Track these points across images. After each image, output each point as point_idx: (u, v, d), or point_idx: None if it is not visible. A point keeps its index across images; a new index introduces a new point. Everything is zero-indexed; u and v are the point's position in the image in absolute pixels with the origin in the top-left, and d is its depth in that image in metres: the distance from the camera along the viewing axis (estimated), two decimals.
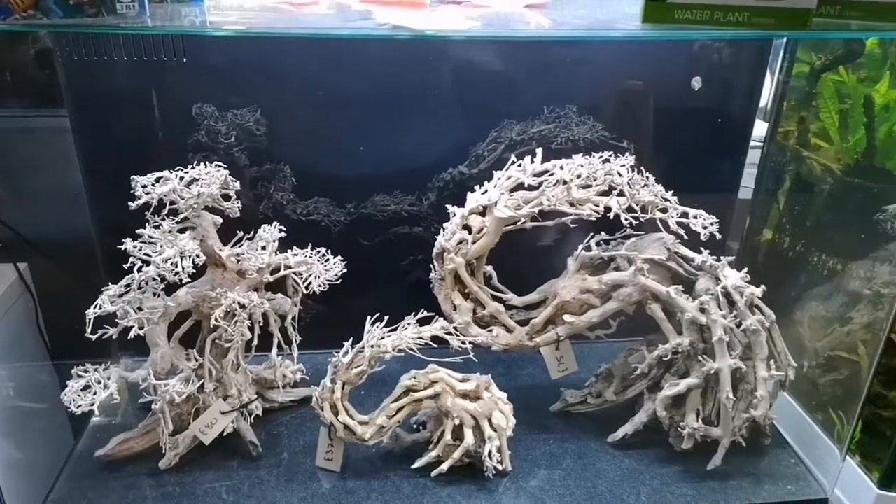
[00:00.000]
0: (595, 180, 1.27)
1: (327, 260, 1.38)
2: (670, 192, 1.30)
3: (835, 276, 1.38)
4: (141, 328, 1.18)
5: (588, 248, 1.36)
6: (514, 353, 1.36)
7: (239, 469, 1.31)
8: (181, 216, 1.21)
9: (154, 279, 1.19)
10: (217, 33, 1.37)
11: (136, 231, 1.20)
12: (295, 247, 1.37)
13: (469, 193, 1.33)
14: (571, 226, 1.30)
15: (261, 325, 1.31)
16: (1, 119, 1.43)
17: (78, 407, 1.17)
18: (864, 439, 1.26)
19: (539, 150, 1.31)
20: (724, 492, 1.28)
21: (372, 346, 1.22)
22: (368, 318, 1.24)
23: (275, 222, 1.38)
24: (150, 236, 1.20)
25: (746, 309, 1.25)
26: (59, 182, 1.46)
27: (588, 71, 1.49)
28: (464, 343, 1.25)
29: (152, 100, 1.41)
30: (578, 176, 1.26)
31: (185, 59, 1.37)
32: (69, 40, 1.33)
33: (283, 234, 1.36)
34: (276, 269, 1.34)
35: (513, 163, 1.31)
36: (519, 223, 1.28)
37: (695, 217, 1.28)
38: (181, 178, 1.21)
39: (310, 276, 1.35)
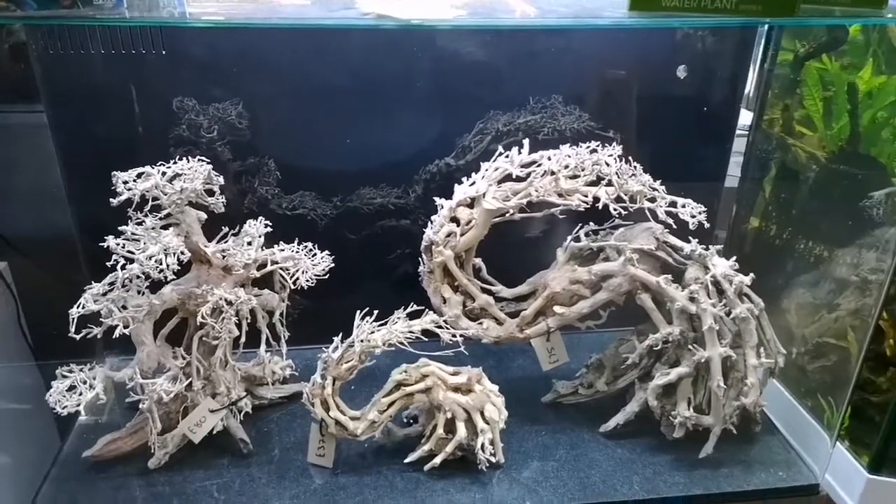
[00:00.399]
0: (583, 170, 1.27)
1: (314, 255, 1.37)
2: (658, 182, 1.30)
3: (822, 262, 1.38)
4: (126, 327, 1.16)
5: (577, 239, 1.36)
6: (505, 346, 1.36)
7: (230, 467, 1.30)
8: (164, 212, 1.19)
9: (138, 277, 1.18)
10: (196, 24, 1.35)
11: (119, 228, 1.18)
12: (281, 242, 1.36)
13: (456, 185, 1.32)
14: (560, 217, 1.30)
15: (248, 321, 1.29)
16: None
17: (63, 408, 1.15)
18: (854, 425, 1.27)
19: (526, 141, 1.31)
20: (716, 479, 1.29)
21: (362, 341, 1.21)
22: (357, 312, 1.23)
23: (260, 217, 1.36)
24: (133, 233, 1.18)
25: (736, 297, 1.26)
26: (37, 179, 1.43)
27: (573, 60, 1.48)
28: (454, 336, 1.24)
29: (132, 94, 1.38)
30: (566, 166, 1.26)
31: (164, 52, 1.35)
32: (44, 33, 1.30)
33: (269, 229, 1.35)
34: (263, 265, 1.32)
35: (500, 154, 1.30)
36: (507, 214, 1.28)
37: (683, 206, 1.28)
38: (163, 174, 1.18)
39: (297, 271, 1.33)
